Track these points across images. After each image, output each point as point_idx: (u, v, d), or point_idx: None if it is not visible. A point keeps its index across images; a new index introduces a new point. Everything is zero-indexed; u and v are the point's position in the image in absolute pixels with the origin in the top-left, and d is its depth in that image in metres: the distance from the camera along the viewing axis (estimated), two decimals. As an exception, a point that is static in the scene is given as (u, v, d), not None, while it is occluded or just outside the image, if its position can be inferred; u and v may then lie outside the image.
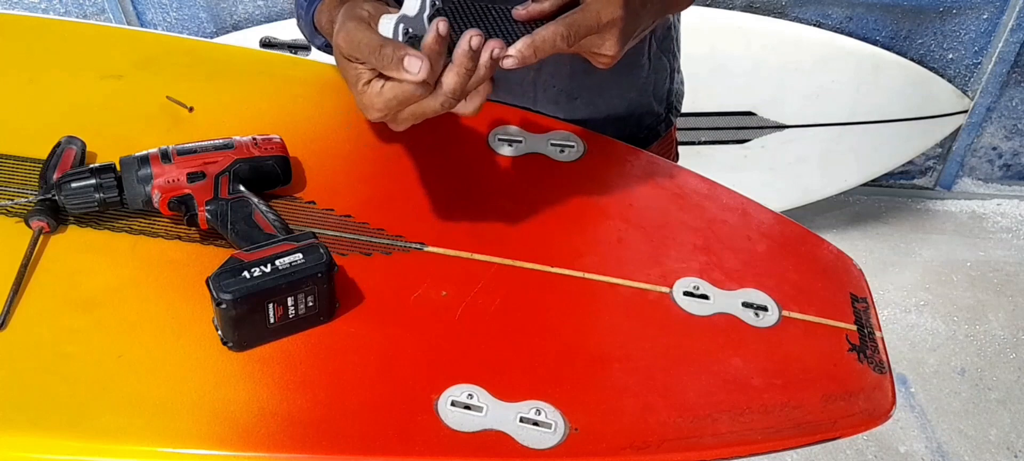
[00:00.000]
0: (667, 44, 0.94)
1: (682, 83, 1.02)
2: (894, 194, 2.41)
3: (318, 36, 0.78)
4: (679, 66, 1.00)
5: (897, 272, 2.19)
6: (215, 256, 0.70)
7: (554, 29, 0.62)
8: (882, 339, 0.72)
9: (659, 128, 0.99)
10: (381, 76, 0.60)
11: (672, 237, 0.77)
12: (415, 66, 0.57)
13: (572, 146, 0.84)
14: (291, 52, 1.85)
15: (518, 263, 0.73)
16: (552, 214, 0.78)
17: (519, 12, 0.65)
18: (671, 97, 0.99)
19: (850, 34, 2.07)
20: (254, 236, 0.68)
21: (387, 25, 0.59)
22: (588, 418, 0.61)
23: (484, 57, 0.59)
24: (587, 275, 0.73)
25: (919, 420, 1.84)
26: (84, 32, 0.95)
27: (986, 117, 2.27)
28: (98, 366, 0.62)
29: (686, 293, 0.72)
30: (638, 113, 0.95)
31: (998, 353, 2.00)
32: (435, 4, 0.61)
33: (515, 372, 0.65)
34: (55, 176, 0.70)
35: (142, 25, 2.03)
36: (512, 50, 0.60)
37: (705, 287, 0.73)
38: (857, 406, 0.66)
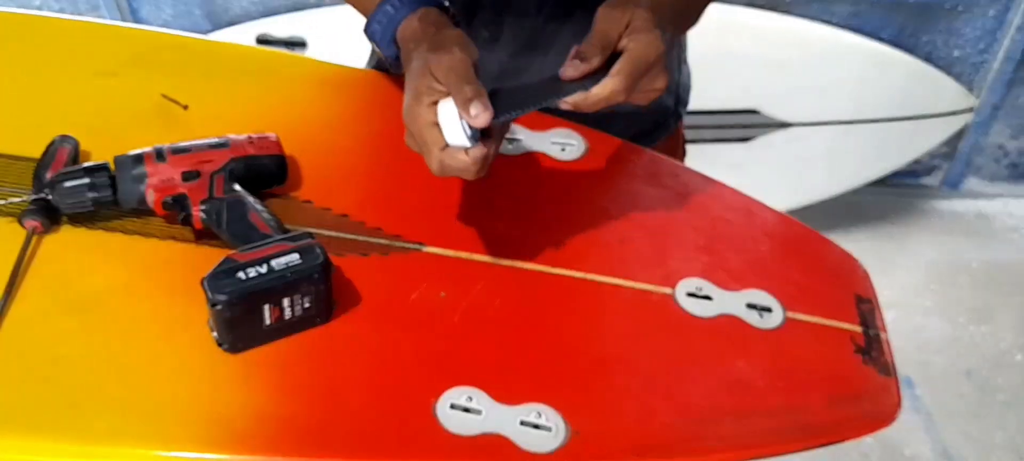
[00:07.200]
0: None
1: (689, 76, 1.01)
2: (900, 193, 2.40)
3: (393, 46, 0.74)
4: (686, 57, 0.98)
5: (903, 273, 2.18)
6: (210, 256, 0.69)
7: (611, 85, 0.63)
8: (887, 340, 0.72)
9: (668, 122, 0.98)
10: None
11: (675, 237, 0.77)
12: (477, 109, 0.60)
13: (573, 144, 0.83)
14: (287, 49, 1.84)
15: (518, 263, 0.72)
16: (553, 214, 0.77)
17: (567, 71, 0.64)
18: (678, 89, 0.98)
19: (855, 31, 2.06)
20: (250, 236, 0.67)
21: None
22: (589, 421, 0.61)
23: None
24: (588, 276, 0.72)
25: (925, 422, 1.83)
26: (78, 29, 0.94)
27: (993, 115, 2.26)
28: (92, 368, 0.61)
29: (689, 294, 0.72)
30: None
31: (1005, 355, 1.98)
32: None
33: (515, 374, 0.64)
34: (48, 175, 0.70)
35: (136, 22, 2.03)
36: (569, 100, 0.62)
37: (708, 288, 0.72)
38: (862, 408, 0.66)
